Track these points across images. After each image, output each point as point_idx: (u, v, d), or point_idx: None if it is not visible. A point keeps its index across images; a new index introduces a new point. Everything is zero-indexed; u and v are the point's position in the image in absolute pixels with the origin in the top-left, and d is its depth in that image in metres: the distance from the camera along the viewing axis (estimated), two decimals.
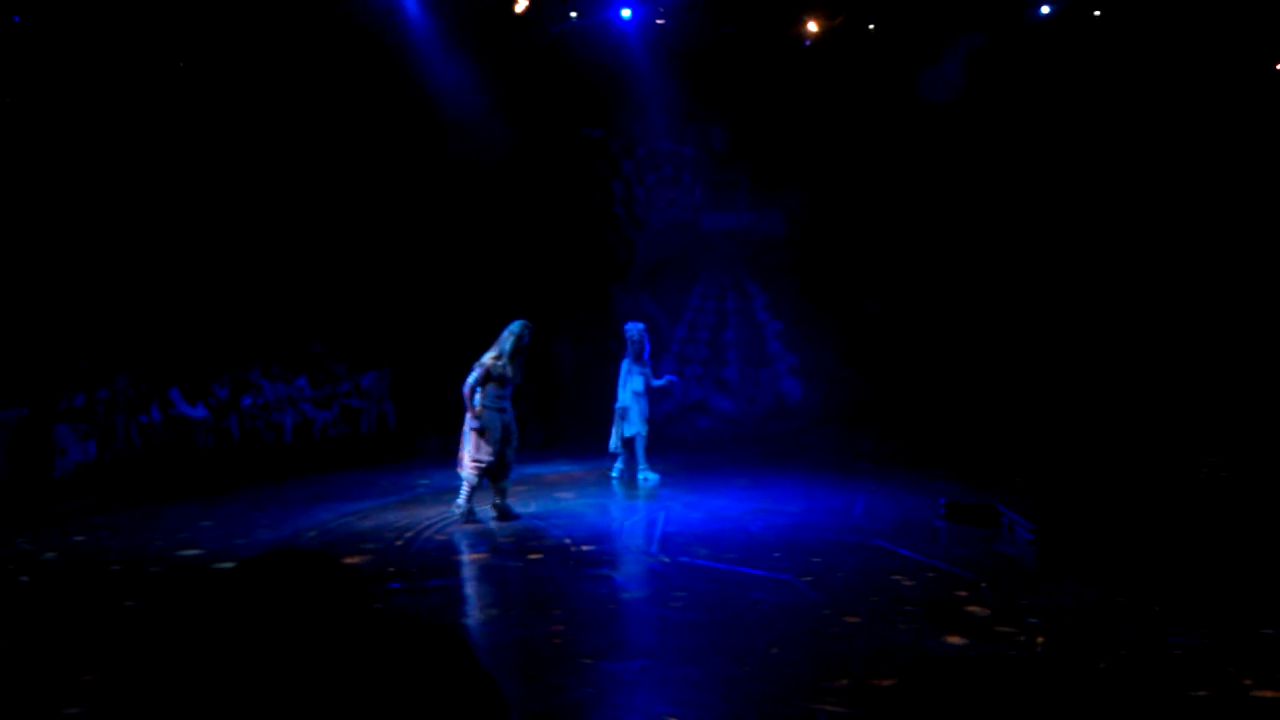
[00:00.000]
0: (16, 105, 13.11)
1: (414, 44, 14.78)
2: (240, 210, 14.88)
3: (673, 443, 14.99)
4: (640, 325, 11.87)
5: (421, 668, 1.57)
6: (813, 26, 15.97)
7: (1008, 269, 16.73)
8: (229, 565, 6.07)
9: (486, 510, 9.44)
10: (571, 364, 16.92)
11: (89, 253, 13.56)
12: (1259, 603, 5.88)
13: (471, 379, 9.25)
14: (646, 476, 11.48)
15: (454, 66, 15.18)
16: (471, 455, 9.29)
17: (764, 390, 17.91)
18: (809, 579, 6.75)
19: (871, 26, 16.04)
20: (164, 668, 1.55)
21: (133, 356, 12.88)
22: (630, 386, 11.58)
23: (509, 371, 9.33)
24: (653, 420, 11.95)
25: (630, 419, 11.58)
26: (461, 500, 9.32)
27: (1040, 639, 5.31)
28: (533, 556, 7.83)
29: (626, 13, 15.31)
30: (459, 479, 9.45)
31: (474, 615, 6.38)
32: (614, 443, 11.75)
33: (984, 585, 6.53)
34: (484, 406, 9.24)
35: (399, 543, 8.39)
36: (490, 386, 9.27)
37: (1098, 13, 15.67)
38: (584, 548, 8.08)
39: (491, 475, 9.33)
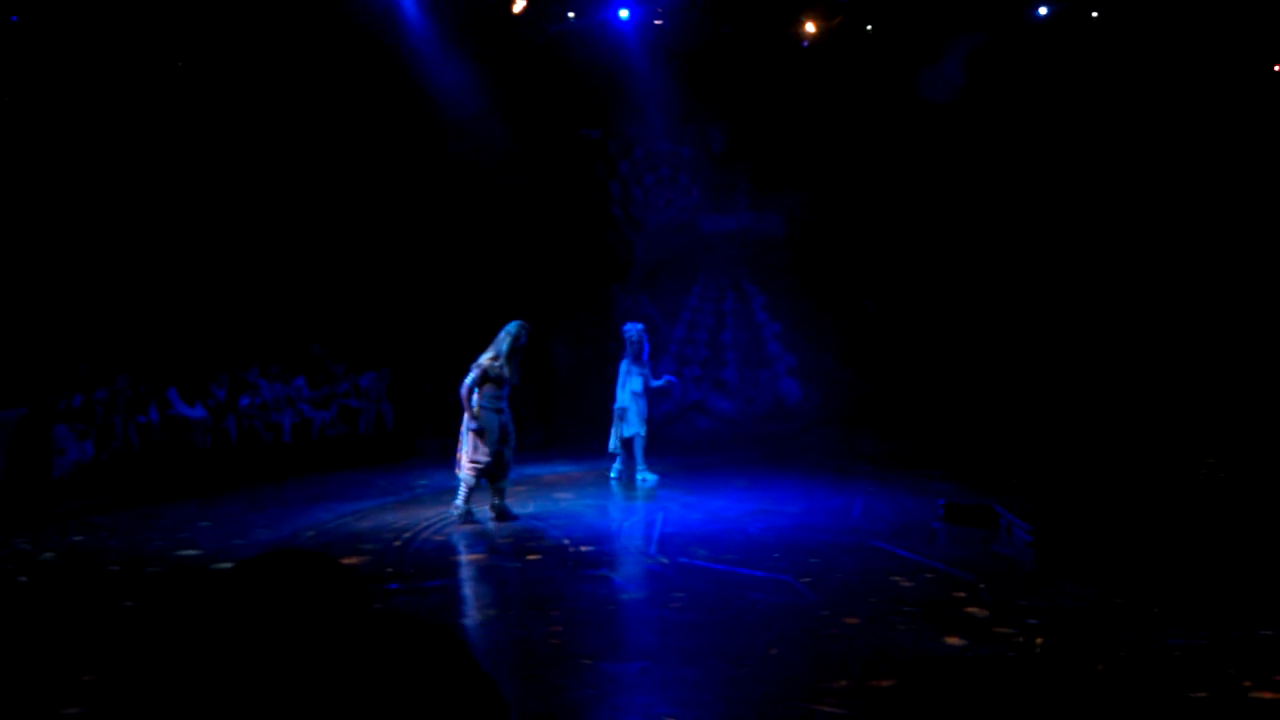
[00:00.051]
0: (15, 105, 13.11)
1: (413, 44, 14.78)
2: (239, 210, 14.88)
3: (671, 443, 14.98)
4: (639, 326, 11.86)
5: (420, 668, 1.57)
6: (811, 27, 15.97)
7: (1007, 269, 16.74)
8: (227, 565, 6.07)
9: (485, 511, 9.43)
10: (570, 365, 16.91)
11: (88, 253, 13.56)
12: (1258, 604, 5.87)
13: (469, 380, 9.25)
14: (645, 477, 11.47)
15: (452, 67, 15.18)
16: (469, 456, 9.29)
17: (763, 391, 17.91)
18: (808, 580, 6.75)
19: (870, 27, 16.05)
20: (163, 668, 1.55)
21: (131, 356, 12.87)
22: (629, 387, 11.57)
23: (506, 372, 9.33)
24: (651, 421, 11.95)
25: (629, 419, 11.57)
26: (459, 501, 9.31)
27: (1039, 640, 5.31)
28: (531, 557, 7.83)
29: (624, 13, 15.31)
30: (457, 480, 9.45)
31: (472, 616, 6.37)
32: (613, 443, 11.75)
33: (983, 586, 6.53)
34: (481, 408, 9.24)
35: (397, 543, 8.38)
36: (488, 387, 9.27)
37: (1095, 13, 15.68)
38: (583, 548, 8.08)
39: (489, 476, 9.33)
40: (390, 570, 7.37)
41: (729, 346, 17.97)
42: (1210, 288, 16.02)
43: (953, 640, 5.34)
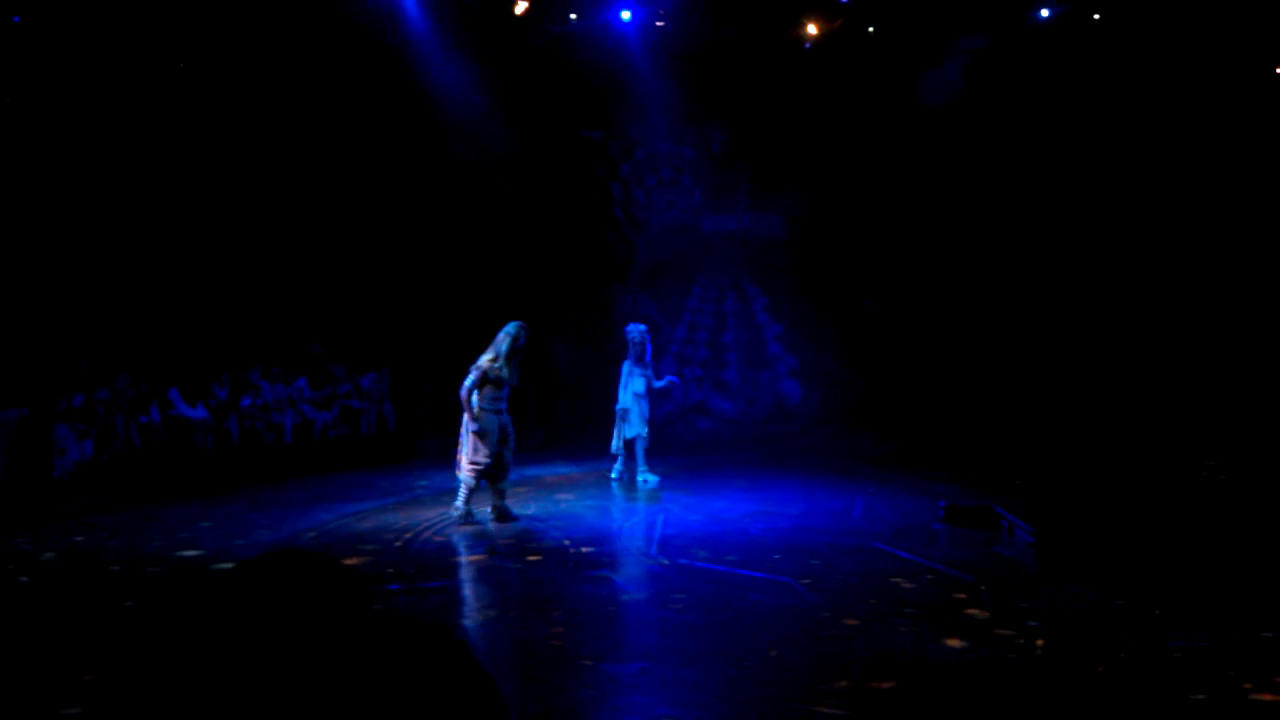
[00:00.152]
0: (16, 105, 13.12)
1: (414, 45, 14.79)
2: (240, 211, 14.88)
3: (672, 444, 14.99)
4: (642, 327, 11.85)
5: (420, 669, 1.57)
6: (812, 29, 15.98)
7: (1007, 271, 16.74)
8: (228, 566, 6.07)
9: (485, 512, 9.43)
10: (570, 365, 16.91)
11: (89, 253, 13.57)
12: (1259, 606, 5.87)
13: (468, 382, 9.24)
14: (646, 478, 11.47)
15: (454, 68, 15.19)
16: (469, 458, 9.29)
17: (763, 392, 17.92)
18: (808, 581, 6.75)
19: (871, 29, 16.05)
20: (163, 668, 1.55)
21: (132, 357, 12.88)
22: (631, 388, 11.57)
23: (505, 373, 9.32)
24: (653, 422, 11.95)
25: (631, 420, 11.57)
26: (459, 503, 9.31)
27: (1040, 641, 5.31)
28: (532, 558, 7.83)
29: (626, 15, 15.31)
30: (457, 481, 9.45)
31: (473, 617, 6.37)
32: (615, 444, 11.75)
33: (983, 588, 6.52)
34: (481, 409, 9.24)
35: (398, 544, 8.38)
36: (487, 389, 9.26)
37: (1097, 15, 15.68)
38: (583, 549, 8.08)
39: (489, 477, 9.33)
40: (391, 571, 7.37)
41: (730, 347, 17.97)
42: (1211, 289, 16.02)
43: (953, 642, 5.34)
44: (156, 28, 13.37)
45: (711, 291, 18.09)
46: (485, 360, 9.30)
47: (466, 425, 9.30)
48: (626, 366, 11.68)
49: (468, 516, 9.26)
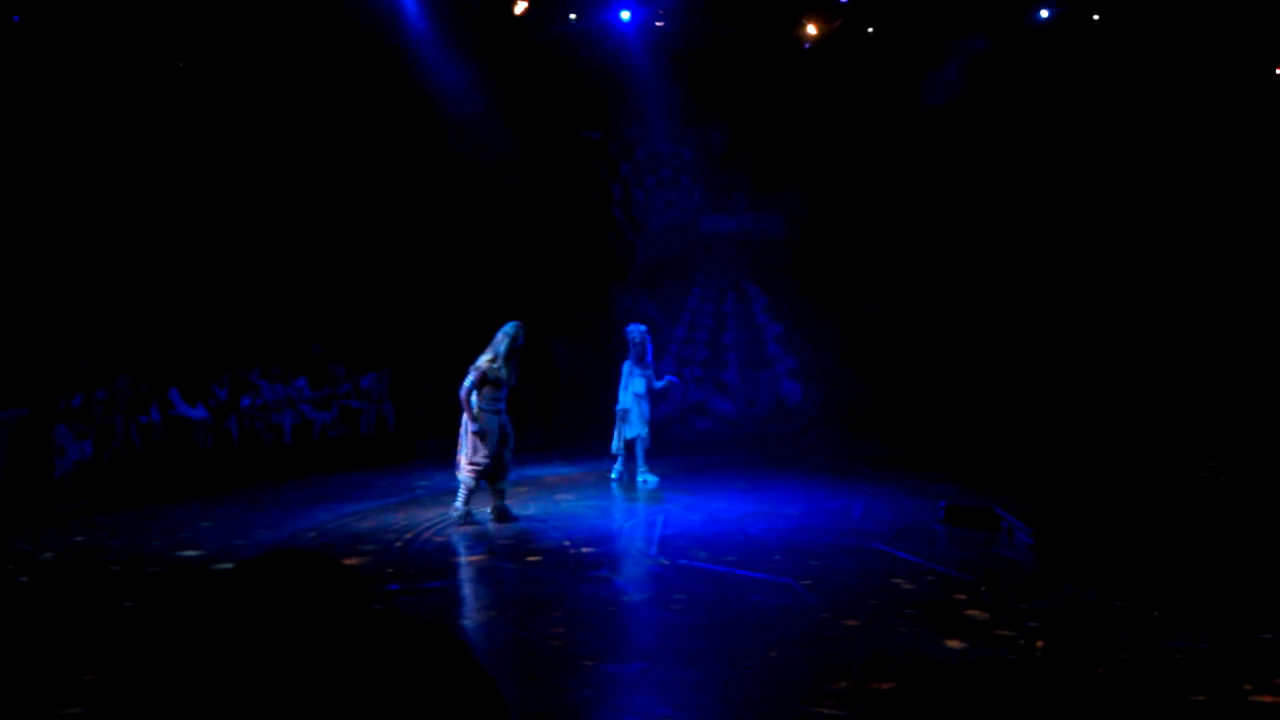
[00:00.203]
0: (16, 105, 13.11)
1: (413, 44, 14.79)
2: (240, 211, 14.88)
3: (672, 444, 14.98)
4: (642, 327, 11.84)
5: (421, 669, 1.57)
6: (812, 29, 15.98)
7: (1008, 272, 16.74)
8: (228, 566, 6.07)
9: (485, 512, 9.43)
10: (570, 365, 16.91)
11: (89, 253, 13.56)
12: (1259, 607, 5.87)
13: (468, 383, 9.23)
14: (646, 479, 11.46)
15: (453, 67, 15.18)
16: (468, 459, 9.28)
17: (763, 392, 17.92)
18: (808, 582, 6.75)
19: (871, 29, 16.05)
20: (163, 668, 1.55)
21: (132, 357, 12.87)
22: (631, 388, 11.56)
23: (504, 374, 9.32)
24: (653, 422, 11.94)
25: (631, 421, 11.56)
26: (459, 503, 9.31)
27: (1040, 642, 5.31)
28: (532, 558, 7.83)
29: (626, 15, 15.31)
30: (457, 481, 9.45)
31: (473, 617, 6.38)
32: (615, 444, 11.74)
33: (983, 589, 6.52)
34: (481, 410, 9.23)
35: (398, 544, 8.38)
36: (486, 389, 9.25)
37: (1096, 16, 15.68)
38: (583, 550, 8.08)
39: (489, 477, 9.32)
40: (391, 571, 7.37)
41: (729, 348, 17.97)
42: (1211, 290, 16.02)
43: (953, 643, 5.34)
44: (156, 27, 13.37)
45: (711, 292, 18.10)
46: (484, 361, 9.30)
47: (466, 426, 9.29)
48: (627, 367, 11.67)
49: (467, 517, 9.25)
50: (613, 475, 11.79)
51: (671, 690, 4.75)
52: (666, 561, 7.56)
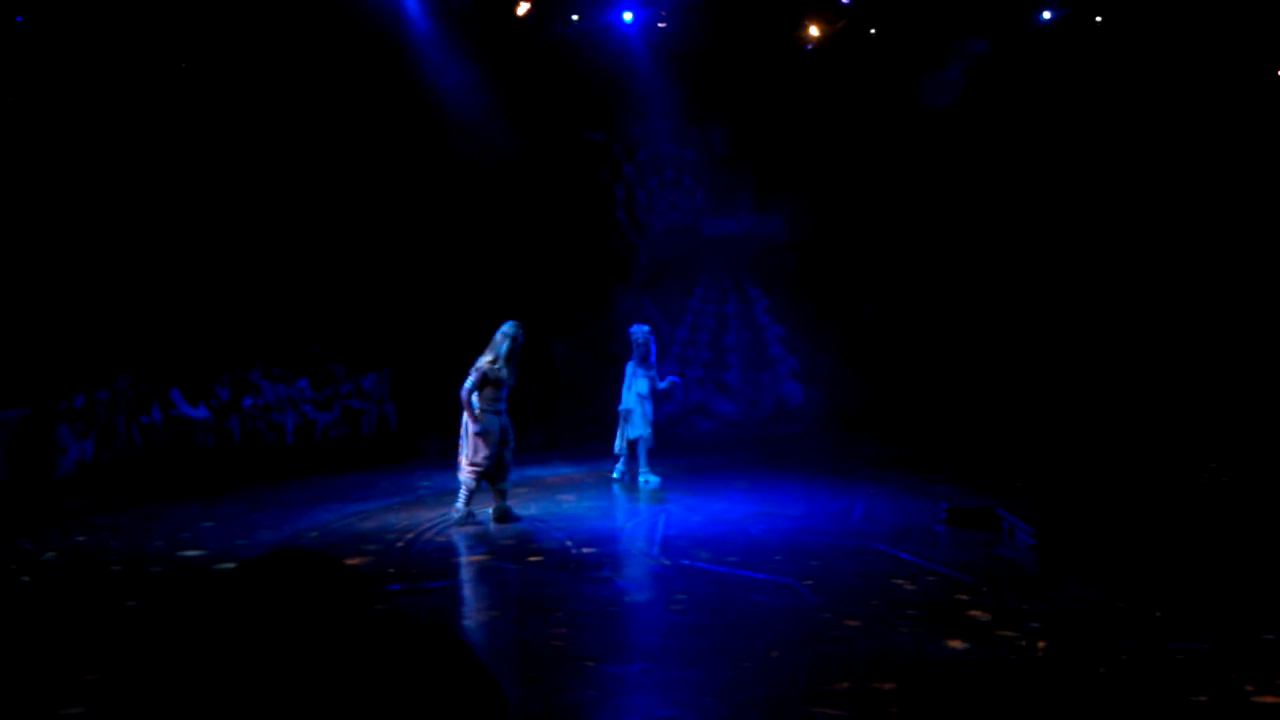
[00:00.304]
0: (19, 105, 13.13)
1: (417, 46, 14.80)
2: (242, 211, 14.89)
3: (673, 445, 14.97)
4: (646, 328, 11.84)
5: (422, 669, 1.57)
6: (814, 31, 15.98)
7: (1009, 274, 16.74)
8: (230, 566, 6.07)
9: (487, 513, 9.43)
10: (572, 366, 16.92)
11: (90, 253, 13.57)
12: (1260, 608, 5.87)
13: (469, 384, 9.23)
14: (647, 479, 11.46)
15: (456, 68, 15.20)
16: (469, 459, 9.28)
17: (765, 393, 17.92)
18: (809, 582, 6.75)
19: (873, 31, 16.05)
20: (165, 668, 1.55)
21: (134, 357, 12.88)
22: (635, 389, 11.56)
23: (505, 374, 9.32)
24: (656, 423, 11.93)
25: (633, 421, 11.56)
26: (460, 504, 9.30)
27: (1041, 643, 5.31)
28: (533, 559, 7.83)
29: (628, 16, 15.32)
30: (459, 481, 9.45)
31: (474, 617, 6.38)
32: (618, 444, 11.74)
33: (985, 589, 6.52)
34: (482, 410, 9.24)
35: (400, 544, 8.38)
36: (487, 390, 9.25)
37: (1099, 18, 15.68)
38: (585, 550, 8.08)
39: (490, 478, 9.32)
40: (393, 571, 7.37)
41: (731, 349, 17.97)
42: (1212, 292, 16.02)
43: (954, 643, 5.34)
44: (159, 28, 13.38)
45: (713, 293, 18.10)
46: (485, 362, 9.29)
47: (467, 427, 9.30)
48: (630, 367, 11.67)
49: (469, 517, 9.25)
50: (614, 475, 11.80)
51: (673, 690, 4.75)
52: (668, 562, 7.56)
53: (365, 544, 8.41)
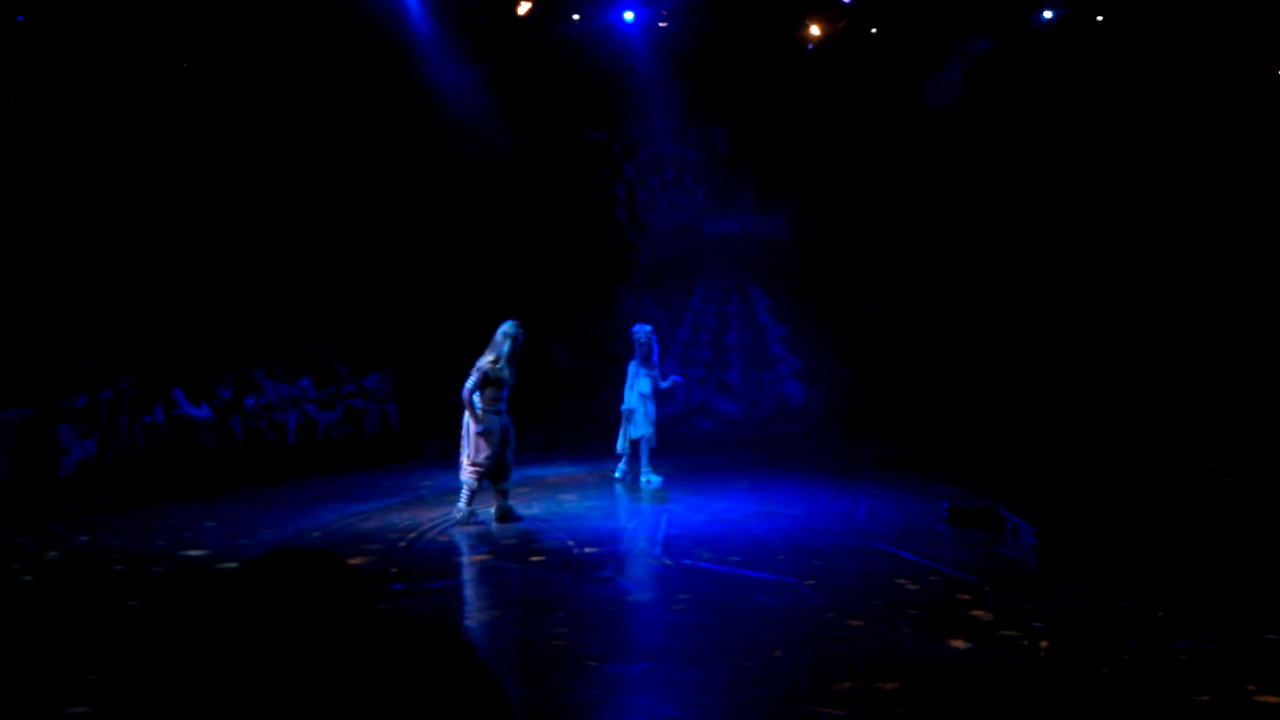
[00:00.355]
0: (20, 104, 13.13)
1: (417, 45, 14.80)
2: (244, 211, 14.90)
3: (675, 445, 14.98)
4: (648, 327, 11.85)
5: (426, 669, 1.57)
6: (815, 30, 15.97)
7: (1011, 273, 16.73)
8: (232, 565, 6.07)
9: (489, 512, 9.43)
10: (573, 366, 16.92)
11: (93, 252, 13.58)
12: (1263, 607, 5.86)
13: (470, 384, 9.23)
14: (649, 479, 11.47)
15: (457, 68, 15.20)
16: (470, 459, 9.28)
17: (766, 393, 17.92)
18: (812, 582, 6.74)
19: (874, 30, 16.04)
20: (167, 667, 1.55)
21: (136, 356, 12.89)
22: (637, 388, 11.56)
23: (506, 374, 9.33)
24: (658, 422, 11.93)
25: (636, 421, 11.56)
26: (462, 504, 9.31)
27: (1044, 643, 5.30)
28: (535, 558, 7.83)
29: (629, 15, 15.32)
30: (461, 481, 9.45)
31: (476, 617, 6.38)
32: (621, 444, 11.75)
33: (987, 589, 6.52)
34: (484, 410, 9.24)
35: (402, 544, 8.39)
36: (488, 390, 9.26)
37: (1100, 17, 15.66)
38: (587, 550, 8.08)
39: (491, 478, 9.33)
40: (395, 571, 7.38)
41: (732, 348, 17.97)
42: (1213, 291, 16.00)
43: (957, 643, 5.33)
44: (160, 28, 13.38)
45: (714, 292, 18.10)
46: (486, 361, 9.29)
47: (468, 426, 9.30)
48: (632, 367, 11.67)
49: (471, 517, 9.26)
50: (616, 475, 11.80)
51: (675, 690, 4.75)
52: (670, 561, 7.56)
53: (367, 543, 8.42)
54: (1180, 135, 15.95)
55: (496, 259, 16.06)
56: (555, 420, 16.42)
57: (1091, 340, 16.35)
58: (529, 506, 10.02)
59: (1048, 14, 15.67)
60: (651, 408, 11.62)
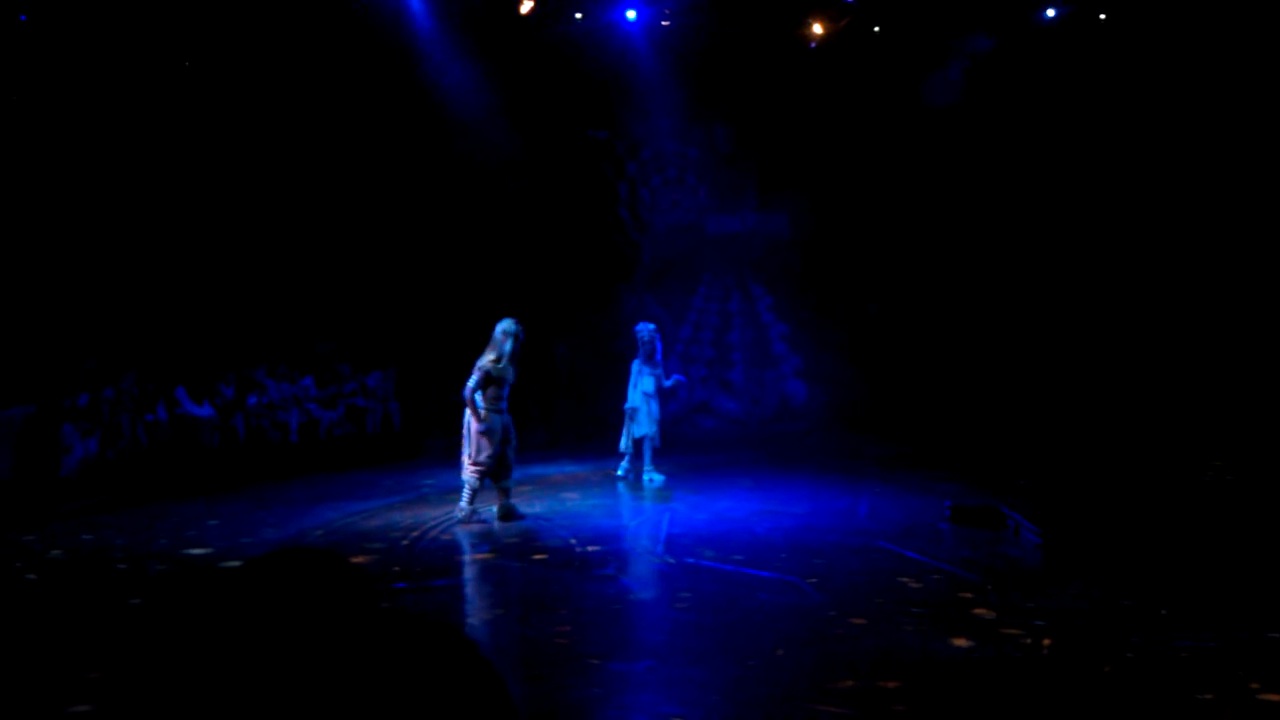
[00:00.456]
0: (23, 103, 13.14)
1: (420, 44, 14.80)
2: (247, 209, 14.90)
3: (678, 443, 14.97)
4: (651, 326, 11.84)
5: (428, 668, 1.57)
6: (818, 29, 15.97)
7: (1014, 272, 16.71)
8: (235, 564, 6.08)
9: (492, 510, 9.44)
10: (575, 364, 16.92)
11: (95, 251, 13.59)
12: (1265, 606, 5.86)
13: (472, 383, 9.23)
14: (652, 477, 11.47)
15: (459, 67, 15.20)
16: (472, 458, 9.28)
17: (769, 391, 17.91)
18: (814, 580, 6.74)
19: (877, 29, 16.03)
20: (170, 666, 1.55)
21: (139, 355, 12.90)
22: (641, 387, 11.56)
23: (508, 373, 9.33)
24: (661, 421, 11.93)
25: (639, 420, 11.56)
26: (464, 502, 9.31)
27: (1046, 641, 5.30)
28: (537, 557, 7.83)
29: (632, 14, 15.31)
30: (463, 480, 9.45)
31: (479, 615, 6.38)
32: (624, 443, 11.75)
33: (989, 587, 6.52)
34: (486, 409, 9.24)
35: (404, 542, 8.39)
36: (490, 389, 9.26)
37: (1103, 16, 15.65)
38: (589, 548, 8.08)
39: (493, 476, 9.33)
40: (397, 569, 7.38)
41: (735, 347, 17.97)
42: (1216, 290, 15.98)
43: (959, 641, 5.33)
44: (162, 26, 13.39)
45: (717, 291, 18.09)
46: (488, 360, 9.29)
47: (470, 425, 9.29)
48: (636, 366, 11.67)
49: (473, 515, 9.26)
50: (618, 473, 11.81)
51: (678, 688, 4.75)
52: (672, 560, 7.56)
53: (370, 542, 8.42)
54: (1183, 134, 15.92)
55: (499, 258, 16.06)
56: (557, 419, 16.42)
57: (1093, 339, 16.33)
58: (531, 505, 10.03)
59: (1050, 12, 15.66)
60: (655, 406, 11.62)
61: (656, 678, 4.91)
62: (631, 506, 10.36)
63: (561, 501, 10.47)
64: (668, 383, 11.75)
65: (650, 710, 4.51)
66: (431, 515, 9.68)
